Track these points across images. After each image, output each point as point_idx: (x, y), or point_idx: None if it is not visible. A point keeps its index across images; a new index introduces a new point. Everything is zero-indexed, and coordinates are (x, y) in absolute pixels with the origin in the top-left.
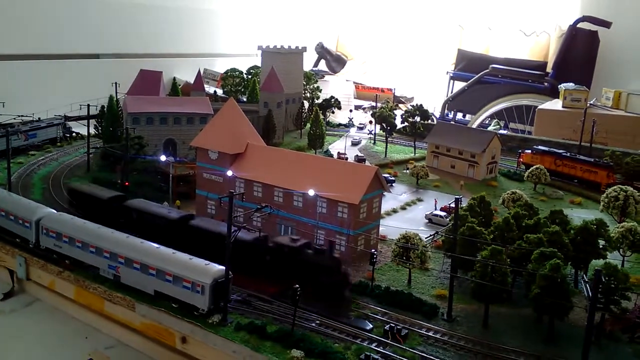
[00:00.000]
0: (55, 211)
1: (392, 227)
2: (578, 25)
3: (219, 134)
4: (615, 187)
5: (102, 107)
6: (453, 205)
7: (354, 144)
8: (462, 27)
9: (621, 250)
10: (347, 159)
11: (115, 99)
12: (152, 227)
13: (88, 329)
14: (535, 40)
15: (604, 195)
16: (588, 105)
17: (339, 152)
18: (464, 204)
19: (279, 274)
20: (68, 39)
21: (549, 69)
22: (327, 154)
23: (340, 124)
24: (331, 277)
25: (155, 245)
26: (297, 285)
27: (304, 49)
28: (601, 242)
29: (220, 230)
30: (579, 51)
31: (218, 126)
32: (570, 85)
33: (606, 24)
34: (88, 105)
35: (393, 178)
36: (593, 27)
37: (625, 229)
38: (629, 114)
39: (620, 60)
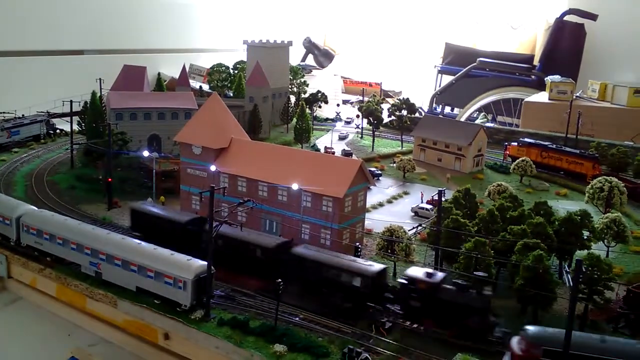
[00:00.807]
0: (36, 208)
1: (377, 221)
2: (565, 18)
3: (202, 129)
4: (600, 178)
5: (85, 103)
6: None
7: (341, 138)
8: (450, 21)
9: (606, 240)
10: (334, 153)
11: (98, 94)
12: (243, 258)
13: (70, 327)
14: (522, 33)
15: (589, 186)
16: (574, 97)
17: (326, 147)
18: (450, 196)
19: (411, 314)
20: (52, 35)
21: (536, 61)
22: (314, 148)
23: (327, 119)
24: (481, 320)
25: (137, 241)
26: (280, 280)
27: (290, 43)
28: (585, 233)
29: (332, 262)
30: (566, 44)
31: (202, 121)
32: (557, 77)
33: (592, 17)
34: (71, 102)
35: (380, 172)
36: (579, 20)
37: (609, 219)
38: (614, 106)
39: (606, 52)
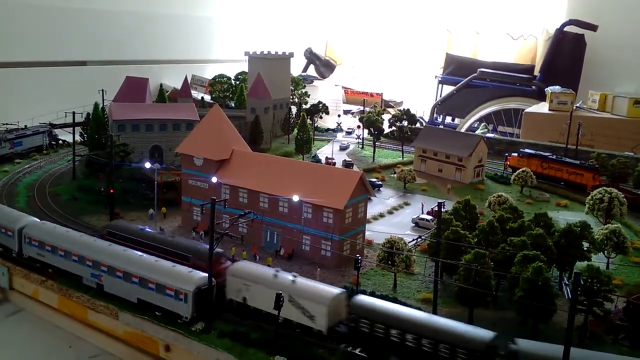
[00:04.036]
0: (38, 220)
1: (378, 232)
2: (565, 29)
3: (204, 141)
4: (600, 189)
5: (88, 114)
6: None
7: (342, 148)
8: (450, 31)
9: (606, 251)
10: (335, 163)
11: (101, 106)
12: None
13: (72, 338)
14: (522, 43)
15: (589, 197)
16: (574, 108)
17: (327, 157)
18: (450, 207)
19: None
20: (55, 46)
21: (536, 72)
22: (315, 159)
23: (328, 129)
24: None
25: (138, 253)
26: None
27: (291, 54)
28: (585, 244)
29: None
30: (566, 54)
31: (203, 132)
32: (557, 88)
33: (592, 27)
34: (73, 113)
35: (380, 182)
36: (580, 31)
37: (609, 230)
38: (614, 117)
39: (606, 63)
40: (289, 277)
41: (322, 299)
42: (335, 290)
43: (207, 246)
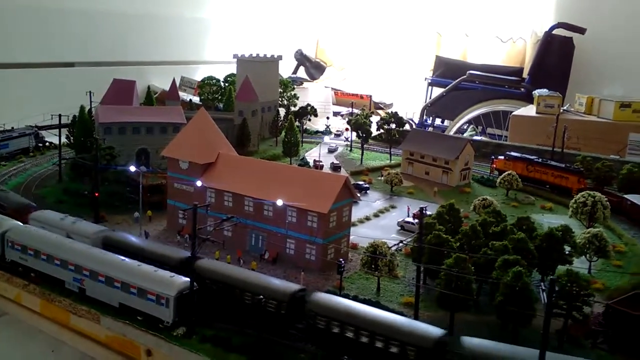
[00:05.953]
0: (21, 224)
1: (363, 237)
2: (553, 32)
3: (189, 144)
4: (583, 192)
5: (74, 116)
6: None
7: (330, 151)
8: (440, 34)
9: (587, 255)
10: (322, 166)
11: (88, 108)
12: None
13: (54, 342)
14: (511, 46)
15: (572, 200)
16: (561, 111)
17: (315, 160)
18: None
19: None
20: (42, 47)
21: (525, 74)
22: (303, 161)
23: (317, 131)
24: None
25: (120, 257)
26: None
27: (280, 57)
28: (567, 248)
29: None
30: (554, 57)
31: (189, 136)
32: (544, 91)
33: (581, 31)
34: (60, 115)
35: (367, 185)
36: (568, 34)
37: (591, 234)
38: (600, 120)
39: (594, 66)
40: (71, 219)
41: (86, 233)
42: (98, 228)
43: (17, 196)
